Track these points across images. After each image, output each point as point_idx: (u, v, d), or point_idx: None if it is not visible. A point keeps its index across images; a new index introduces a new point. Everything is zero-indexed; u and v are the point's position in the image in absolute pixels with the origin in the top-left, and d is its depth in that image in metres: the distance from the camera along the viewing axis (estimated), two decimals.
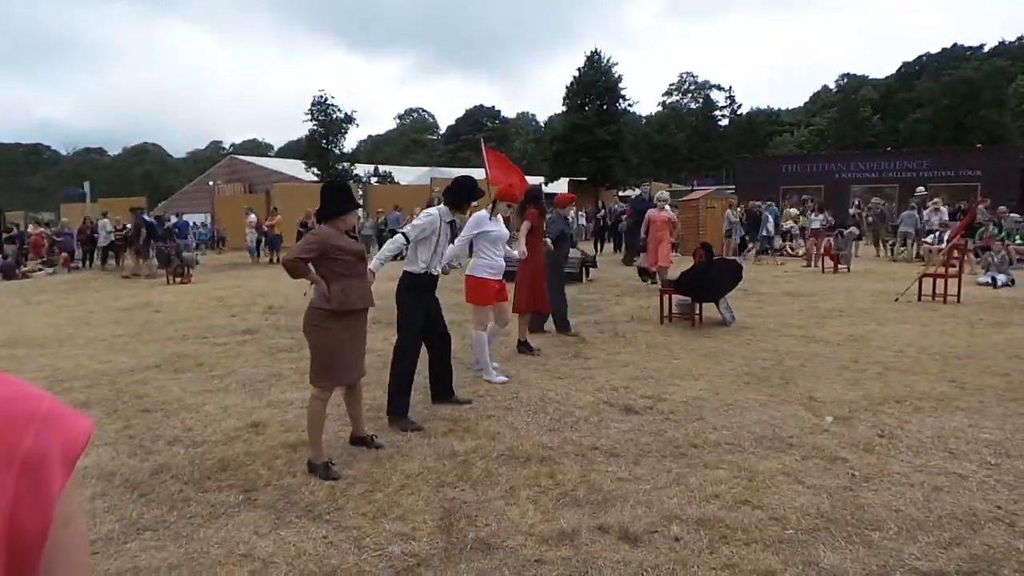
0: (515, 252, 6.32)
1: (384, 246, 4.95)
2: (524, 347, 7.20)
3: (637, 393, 5.62)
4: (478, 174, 8.29)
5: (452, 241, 5.35)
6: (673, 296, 9.04)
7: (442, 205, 5.23)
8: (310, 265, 4.05)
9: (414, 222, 5.10)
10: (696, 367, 6.50)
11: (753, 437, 4.52)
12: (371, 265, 4.62)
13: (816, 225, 16.66)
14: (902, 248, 17.74)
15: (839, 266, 15.15)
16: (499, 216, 6.06)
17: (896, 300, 10.47)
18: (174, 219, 21.24)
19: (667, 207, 11.88)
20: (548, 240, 7.76)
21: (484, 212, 5.97)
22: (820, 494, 3.63)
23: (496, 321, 6.28)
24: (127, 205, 26.61)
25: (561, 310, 8.19)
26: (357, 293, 4.12)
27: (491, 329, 6.31)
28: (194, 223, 31.33)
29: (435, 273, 5.11)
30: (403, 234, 4.97)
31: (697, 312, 8.84)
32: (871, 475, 3.87)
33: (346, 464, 4.20)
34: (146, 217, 18.29)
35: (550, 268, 8.00)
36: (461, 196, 5.24)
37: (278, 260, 19.27)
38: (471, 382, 5.98)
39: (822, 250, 15.86)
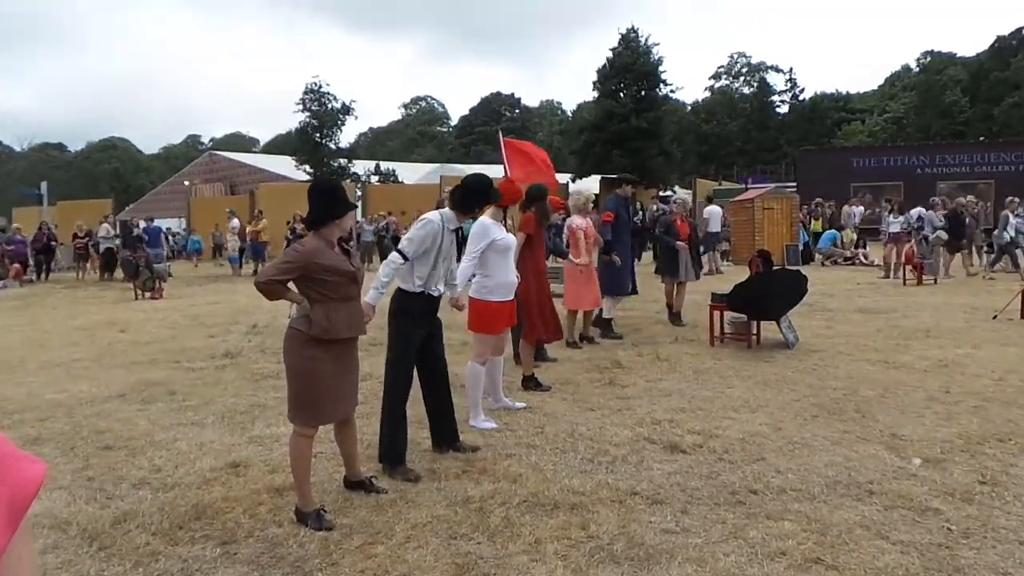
0: (511, 276, 5.90)
1: (381, 269, 4.81)
2: (532, 383, 6.84)
3: (684, 428, 5.56)
4: (496, 171, 8.28)
5: (457, 252, 5.15)
6: (725, 313, 8.96)
7: (445, 209, 5.05)
8: (291, 284, 3.97)
9: (409, 234, 4.93)
10: (754, 397, 6.43)
11: (825, 482, 4.44)
12: (367, 297, 4.54)
13: (895, 229, 16.48)
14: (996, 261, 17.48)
15: (924, 277, 14.97)
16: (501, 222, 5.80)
17: (994, 318, 10.30)
18: (143, 224, 21.46)
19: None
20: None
21: (487, 218, 5.70)
22: (908, 552, 3.55)
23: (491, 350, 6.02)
24: (90, 209, 27.11)
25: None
26: (343, 320, 4.01)
27: (491, 362, 6.06)
28: (168, 229, 31.73)
29: (435, 294, 4.93)
30: (400, 251, 4.82)
31: (754, 332, 8.76)
32: (971, 530, 3.78)
33: (341, 512, 4.17)
34: None
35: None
36: (472, 199, 5.04)
37: None
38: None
39: (903, 258, 15.68)
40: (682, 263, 10.64)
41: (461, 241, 5.16)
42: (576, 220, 8.80)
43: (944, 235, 16.13)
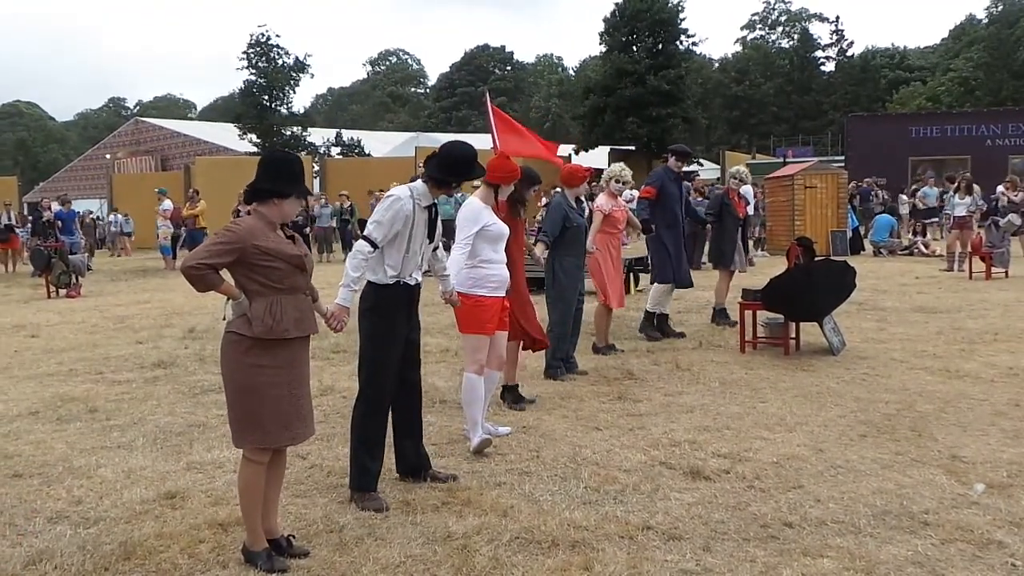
0: (501, 270, 5.93)
1: (347, 263, 4.83)
2: (511, 395, 6.87)
3: (707, 450, 5.61)
4: (484, 141, 8.29)
5: (431, 233, 5.11)
6: (758, 313, 9.01)
7: (416, 183, 5.06)
8: (224, 273, 3.91)
9: (375, 216, 4.91)
10: (791, 414, 6.49)
11: (872, 513, 4.50)
12: (338, 299, 4.59)
13: (961, 212, 16.53)
14: None
15: (993, 269, 15.05)
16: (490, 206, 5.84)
17: None
18: (57, 207, 21.37)
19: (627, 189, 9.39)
20: (538, 241, 7.56)
21: (478, 200, 5.78)
22: None
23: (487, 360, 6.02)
24: None
25: (559, 344, 7.78)
26: (291, 315, 3.97)
27: (485, 376, 6.03)
28: (87, 212, 31.65)
29: (412, 283, 4.98)
30: (366, 238, 4.81)
31: (792, 336, 8.82)
32: None
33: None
34: None
35: (550, 282, 7.84)
36: (450, 170, 5.00)
37: None
38: (461, 443, 5.87)
39: (969, 247, 15.76)
40: (737, 248, 10.89)
41: (435, 219, 5.14)
42: (600, 200, 8.84)
43: (1017, 220, 16.20)
